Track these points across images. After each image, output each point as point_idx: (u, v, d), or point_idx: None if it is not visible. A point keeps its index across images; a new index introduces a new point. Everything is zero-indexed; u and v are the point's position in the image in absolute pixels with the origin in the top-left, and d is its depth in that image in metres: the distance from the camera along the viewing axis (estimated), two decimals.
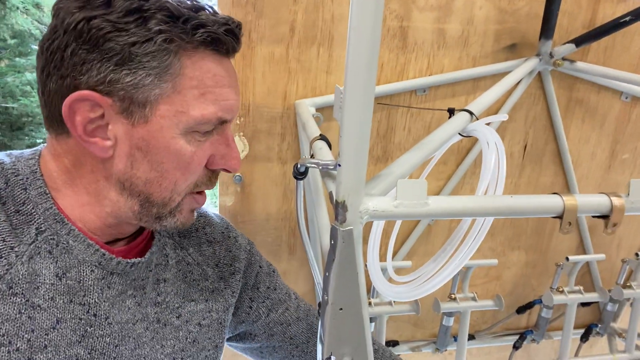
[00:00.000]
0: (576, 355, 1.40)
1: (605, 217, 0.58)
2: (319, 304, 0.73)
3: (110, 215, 0.58)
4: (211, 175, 0.62)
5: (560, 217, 0.55)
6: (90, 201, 0.57)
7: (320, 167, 0.57)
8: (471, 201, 0.52)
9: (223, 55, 0.57)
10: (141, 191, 0.57)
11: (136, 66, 0.51)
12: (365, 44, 0.42)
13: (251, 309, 0.79)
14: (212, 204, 3.62)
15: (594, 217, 0.58)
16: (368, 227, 0.67)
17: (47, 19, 5.56)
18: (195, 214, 0.66)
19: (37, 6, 5.24)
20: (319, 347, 0.62)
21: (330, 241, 0.50)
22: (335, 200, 0.49)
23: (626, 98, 1.27)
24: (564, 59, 1.14)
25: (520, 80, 1.15)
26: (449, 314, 1.23)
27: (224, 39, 0.55)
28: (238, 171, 0.61)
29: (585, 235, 1.38)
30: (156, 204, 0.58)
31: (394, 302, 1.16)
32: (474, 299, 1.21)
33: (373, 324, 1.19)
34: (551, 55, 1.14)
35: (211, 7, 0.58)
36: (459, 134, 0.77)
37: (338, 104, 0.46)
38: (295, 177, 0.67)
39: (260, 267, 0.81)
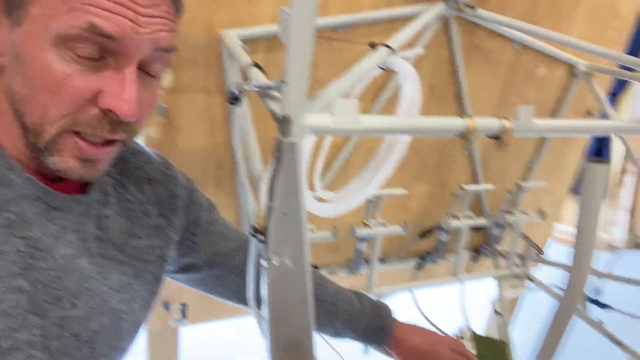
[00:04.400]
0: (468, 272, 1.63)
1: (497, 138, 0.70)
2: (252, 227, 0.79)
3: (19, 143, 0.54)
4: (102, 118, 0.53)
5: (463, 136, 0.66)
6: (5, 127, 0.54)
7: (262, 89, 0.61)
8: (394, 120, 0.61)
9: None
10: (18, 109, 0.51)
11: None
12: None
13: (194, 243, 0.83)
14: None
15: (488, 137, 0.70)
16: None
17: None
18: (83, 166, 0.56)
19: None
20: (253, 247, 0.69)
21: (276, 153, 0.56)
22: (281, 115, 0.55)
23: (517, 46, 1.43)
24: (466, 5, 1.25)
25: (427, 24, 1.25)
26: (363, 239, 1.36)
27: None
28: (130, 118, 0.53)
29: (478, 169, 1.57)
30: (30, 130, 0.52)
31: (316, 230, 1.26)
32: (384, 225, 1.35)
33: None
34: (456, 1, 1.24)
35: None
36: (379, 67, 0.85)
37: (284, 24, 0.50)
38: (230, 103, 0.71)
39: (200, 203, 0.84)
